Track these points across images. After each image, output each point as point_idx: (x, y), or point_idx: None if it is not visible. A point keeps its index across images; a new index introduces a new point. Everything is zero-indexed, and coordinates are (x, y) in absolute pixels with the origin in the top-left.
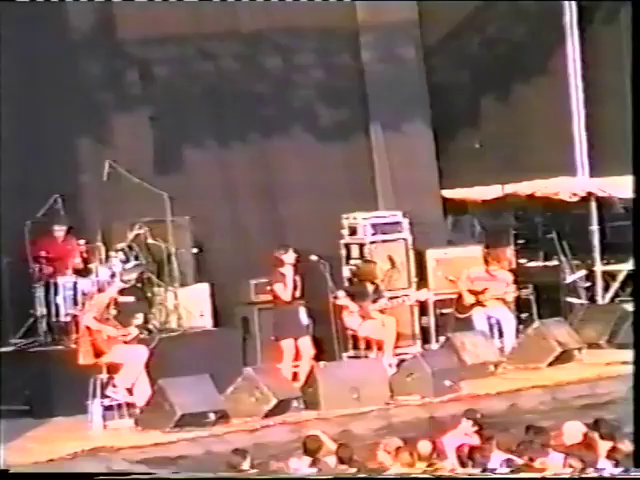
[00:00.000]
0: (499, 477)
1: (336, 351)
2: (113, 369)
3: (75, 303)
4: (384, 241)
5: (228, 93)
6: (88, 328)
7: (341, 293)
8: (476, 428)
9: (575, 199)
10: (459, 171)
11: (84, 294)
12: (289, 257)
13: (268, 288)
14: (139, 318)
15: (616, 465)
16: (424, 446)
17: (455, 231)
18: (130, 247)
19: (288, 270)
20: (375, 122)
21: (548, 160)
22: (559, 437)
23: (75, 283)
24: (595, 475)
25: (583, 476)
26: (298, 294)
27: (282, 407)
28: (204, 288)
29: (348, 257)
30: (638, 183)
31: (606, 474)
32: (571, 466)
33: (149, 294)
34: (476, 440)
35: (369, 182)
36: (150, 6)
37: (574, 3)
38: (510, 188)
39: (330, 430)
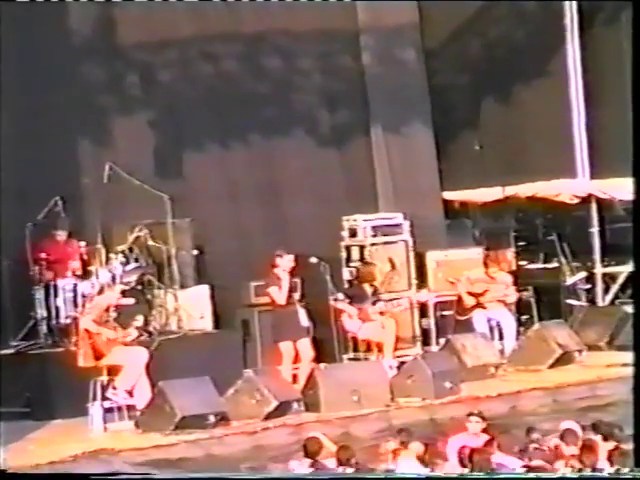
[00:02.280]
0: (499, 477)
1: (336, 353)
2: (113, 371)
3: (75, 305)
4: (384, 243)
5: (229, 95)
6: (87, 331)
7: (341, 295)
8: (483, 425)
9: (575, 201)
10: (460, 173)
11: (84, 296)
12: (285, 262)
13: (267, 290)
14: (139, 320)
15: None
16: (416, 447)
17: (455, 233)
18: (130, 249)
19: (284, 274)
20: (376, 124)
21: (548, 162)
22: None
23: (75, 285)
24: (595, 475)
25: (583, 476)
26: (297, 297)
27: (282, 409)
28: (204, 290)
29: (348, 259)
30: (638, 185)
31: (606, 474)
32: (571, 467)
33: (149, 296)
34: (483, 439)
35: (370, 184)
36: (151, 9)
37: (575, 5)
38: (510, 190)
39: (330, 432)
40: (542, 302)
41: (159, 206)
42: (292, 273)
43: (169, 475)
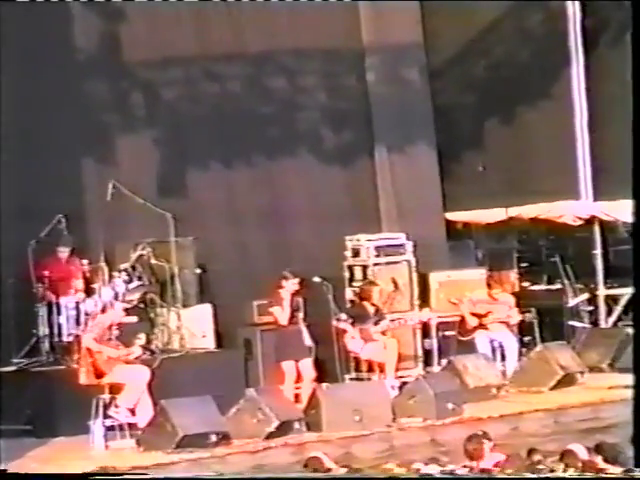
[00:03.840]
0: (500, 477)
1: (338, 373)
2: (115, 389)
3: (78, 323)
4: (387, 263)
5: (232, 115)
6: (88, 349)
7: (344, 315)
8: (490, 444)
9: (579, 223)
10: (463, 194)
11: (87, 314)
12: (290, 285)
13: (270, 310)
14: (141, 338)
15: None
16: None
17: (458, 254)
18: (133, 267)
19: (287, 295)
20: (380, 144)
21: (552, 183)
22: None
23: (78, 303)
24: (596, 476)
25: (583, 476)
26: (301, 316)
27: (284, 429)
28: (207, 309)
29: (351, 279)
30: (638, 207)
31: (607, 475)
32: None
33: (152, 315)
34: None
35: (373, 204)
36: (156, 27)
37: (579, 27)
38: (514, 211)
39: (332, 452)
40: (545, 323)
41: (162, 224)
42: (293, 295)
43: (169, 475)
